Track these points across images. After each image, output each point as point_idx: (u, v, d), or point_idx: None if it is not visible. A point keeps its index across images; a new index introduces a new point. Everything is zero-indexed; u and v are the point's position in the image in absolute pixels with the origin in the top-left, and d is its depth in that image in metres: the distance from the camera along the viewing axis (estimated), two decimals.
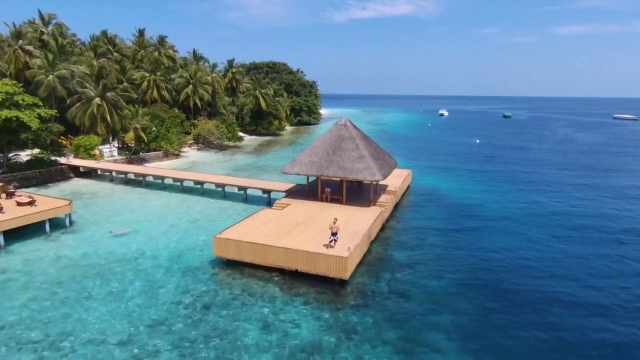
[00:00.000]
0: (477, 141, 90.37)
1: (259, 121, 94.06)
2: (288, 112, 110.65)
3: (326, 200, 31.60)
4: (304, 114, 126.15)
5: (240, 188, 37.97)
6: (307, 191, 34.39)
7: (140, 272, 23.32)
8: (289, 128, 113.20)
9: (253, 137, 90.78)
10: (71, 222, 30.60)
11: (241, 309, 19.63)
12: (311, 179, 36.06)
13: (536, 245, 28.95)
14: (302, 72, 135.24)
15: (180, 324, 18.35)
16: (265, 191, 37.07)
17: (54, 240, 27.88)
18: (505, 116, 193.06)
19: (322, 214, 28.47)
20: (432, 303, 20.91)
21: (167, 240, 28.10)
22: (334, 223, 21.95)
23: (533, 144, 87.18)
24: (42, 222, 28.58)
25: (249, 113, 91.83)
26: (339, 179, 37.08)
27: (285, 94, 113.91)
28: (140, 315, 18.99)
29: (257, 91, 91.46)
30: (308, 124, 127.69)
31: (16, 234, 27.40)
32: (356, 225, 26.03)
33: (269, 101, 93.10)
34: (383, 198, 32.61)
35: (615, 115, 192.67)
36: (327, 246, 22.17)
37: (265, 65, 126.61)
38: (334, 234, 21.93)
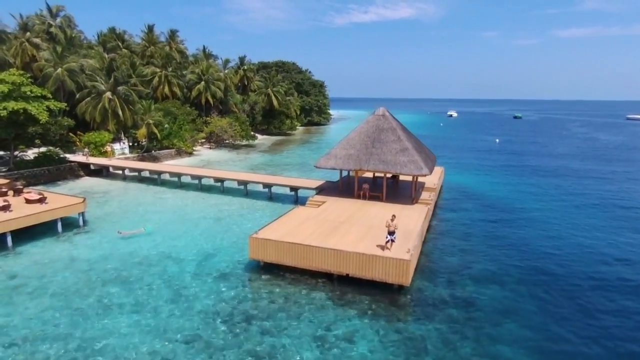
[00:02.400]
0: (497, 140, 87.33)
1: (271, 120, 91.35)
2: (298, 112, 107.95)
3: (364, 198, 28.69)
4: (314, 113, 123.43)
5: (265, 185, 35.11)
6: (340, 188, 31.49)
7: (165, 276, 20.47)
8: (300, 128, 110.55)
9: (265, 136, 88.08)
10: (85, 222, 27.83)
11: (288, 322, 16.72)
12: (344, 174, 33.25)
13: (589, 240, 26.93)
14: (310, 72, 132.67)
15: (221, 340, 15.45)
16: (292, 188, 34.20)
17: (66, 240, 25.08)
18: (515, 117, 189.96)
19: (363, 212, 25.57)
20: (500, 311, 18.17)
21: (192, 241, 25.28)
22: (392, 220, 19.04)
23: (555, 143, 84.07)
24: (54, 222, 25.84)
25: (260, 112, 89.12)
26: (372, 175, 34.39)
27: (295, 93, 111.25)
28: (172, 329, 16.09)
29: (269, 89, 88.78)
30: (318, 124, 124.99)
31: (25, 234, 24.65)
32: (405, 224, 23.09)
33: (281, 100, 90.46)
34: (425, 195, 29.71)
35: (629, 116, 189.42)
36: (383, 247, 19.26)
37: (275, 64, 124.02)
38: (391, 233, 19.01)
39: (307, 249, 19.69)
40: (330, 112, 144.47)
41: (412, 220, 23.99)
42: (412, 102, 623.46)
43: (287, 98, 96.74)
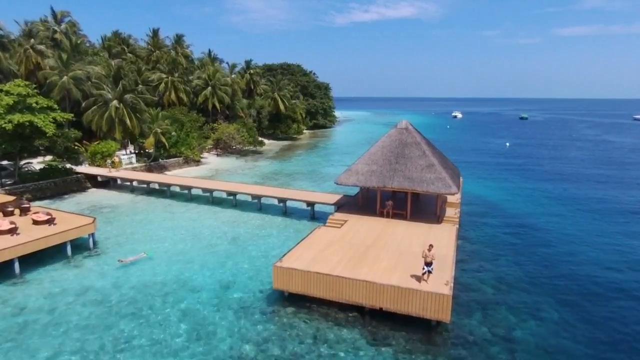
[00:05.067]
0: (507, 144, 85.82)
1: (277, 124, 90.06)
2: (304, 115, 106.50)
3: (387, 216, 27.30)
4: (320, 116, 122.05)
5: (280, 200, 33.76)
6: (360, 203, 30.14)
7: (183, 309, 19.11)
8: (306, 132, 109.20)
9: (271, 141, 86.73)
10: (95, 243, 26.53)
11: None
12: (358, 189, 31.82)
13: (629, 261, 25.38)
14: (314, 74, 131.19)
15: None
16: (308, 204, 32.84)
17: (77, 266, 23.76)
18: (522, 118, 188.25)
19: (389, 233, 24.19)
20: (544, 350, 16.80)
21: (208, 266, 23.91)
22: (429, 250, 17.67)
23: (568, 146, 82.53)
24: (63, 244, 24.53)
25: (267, 116, 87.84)
26: (391, 190, 32.95)
27: (301, 96, 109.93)
28: None
29: (275, 93, 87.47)
30: (324, 127, 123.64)
31: (33, 259, 23.36)
32: (436, 248, 21.63)
33: (288, 103, 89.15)
34: (450, 212, 28.29)
35: (636, 117, 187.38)
36: (420, 279, 17.90)
37: (280, 66, 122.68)
38: (428, 264, 17.64)
39: (337, 280, 18.33)
40: (335, 114, 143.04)
41: (442, 243, 22.59)
42: (415, 101, 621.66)
43: (293, 101, 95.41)
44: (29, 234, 23.50)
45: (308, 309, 19.07)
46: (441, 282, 17.72)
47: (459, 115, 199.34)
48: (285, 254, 20.68)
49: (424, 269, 17.75)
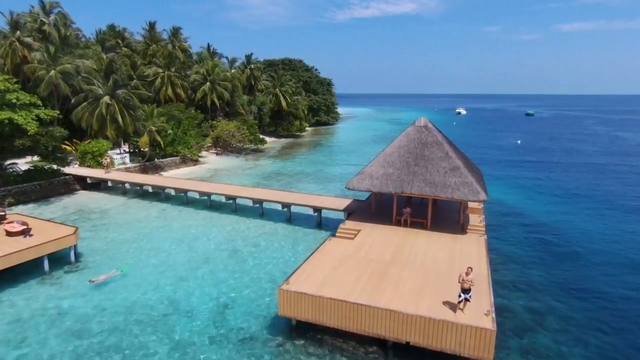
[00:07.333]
0: (518, 142, 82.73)
1: (279, 121, 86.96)
2: (306, 112, 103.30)
3: (405, 225, 24.36)
4: (322, 113, 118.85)
5: (283, 205, 30.81)
6: (372, 210, 27.19)
7: (174, 342, 16.22)
8: (308, 129, 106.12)
9: (273, 139, 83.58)
10: (77, 255, 23.66)
11: None
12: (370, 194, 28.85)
13: None
14: (316, 69, 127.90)
15: None
16: (315, 209, 29.93)
17: (55, 283, 20.89)
18: (527, 114, 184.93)
19: (410, 246, 21.26)
20: None
21: (203, 284, 21.01)
22: (467, 275, 14.74)
23: (581, 145, 79.39)
24: (40, 257, 21.63)
25: (268, 113, 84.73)
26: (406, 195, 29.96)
27: (303, 92, 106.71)
28: None
29: (277, 89, 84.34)
30: (327, 124, 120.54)
31: (4, 275, 20.48)
32: (467, 265, 18.74)
33: (290, 100, 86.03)
34: (474, 219, 25.31)
35: None
36: (455, 307, 14.98)
37: (281, 62, 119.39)
38: (465, 291, 14.71)
39: (355, 308, 15.39)
40: (338, 110, 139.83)
41: (472, 258, 19.62)
42: (416, 97, 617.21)
43: (295, 98, 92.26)
44: (0, 247, 20.61)
45: (320, 341, 16.19)
46: (480, 311, 14.82)
47: (463, 112, 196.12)
48: (291, 274, 17.73)
49: (460, 296, 14.82)
